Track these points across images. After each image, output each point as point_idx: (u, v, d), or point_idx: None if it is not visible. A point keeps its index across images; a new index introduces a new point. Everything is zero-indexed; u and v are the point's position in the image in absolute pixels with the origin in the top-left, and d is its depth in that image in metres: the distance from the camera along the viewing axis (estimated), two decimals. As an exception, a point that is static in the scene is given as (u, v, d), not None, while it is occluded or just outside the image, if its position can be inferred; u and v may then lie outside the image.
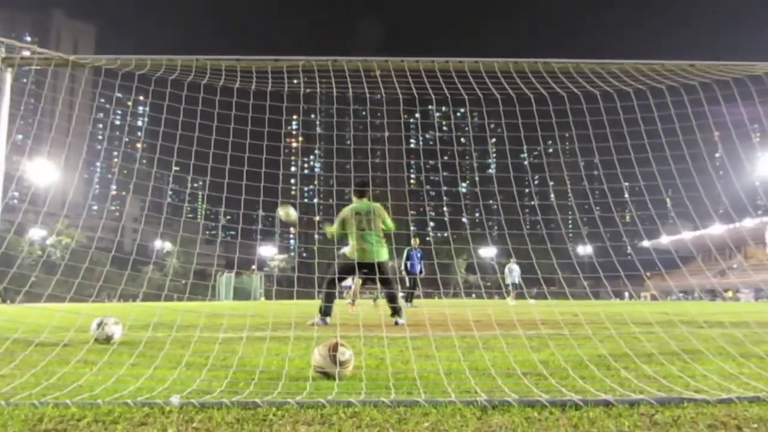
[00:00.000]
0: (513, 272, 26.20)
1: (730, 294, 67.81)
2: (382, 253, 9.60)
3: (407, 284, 21.02)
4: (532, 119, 6.17)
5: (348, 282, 30.02)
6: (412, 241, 21.44)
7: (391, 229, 9.90)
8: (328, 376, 3.49)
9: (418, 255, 21.10)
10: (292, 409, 2.64)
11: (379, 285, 10.22)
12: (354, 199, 9.93)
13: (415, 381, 3.30)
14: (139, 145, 8.32)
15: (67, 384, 3.21)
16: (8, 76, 5.11)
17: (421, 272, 20.98)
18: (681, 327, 7.76)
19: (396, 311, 9.25)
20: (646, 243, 19.09)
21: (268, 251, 78.85)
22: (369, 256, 9.38)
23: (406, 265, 21.09)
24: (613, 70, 5.40)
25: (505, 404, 2.70)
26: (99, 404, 2.67)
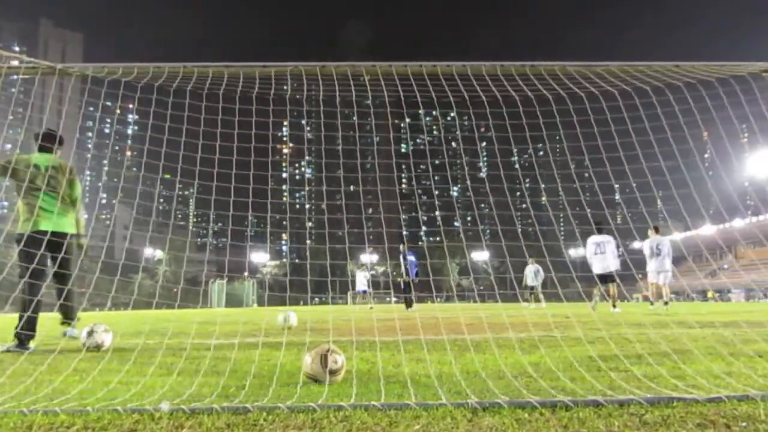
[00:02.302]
0: (537, 274, 24.79)
1: (711, 294, 68.18)
2: (62, 223, 6.96)
3: (403, 288, 21.03)
4: (520, 121, 6.18)
5: (363, 287, 29.95)
6: (402, 246, 21.40)
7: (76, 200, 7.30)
8: (319, 383, 3.48)
9: (411, 259, 21.09)
10: (282, 413, 2.64)
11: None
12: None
13: (406, 384, 3.30)
14: (128, 153, 8.28)
15: (56, 392, 3.20)
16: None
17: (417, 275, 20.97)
18: (671, 328, 7.79)
19: (68, 313, 6.96)
20: (637, 244, 19.07)
21: (260, 257, 78.65)
22: (48, 225, 6.69)
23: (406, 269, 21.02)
24: (600, 71, 5.42)
25: (495, 406, 2.70)
26: (88, 411, 2.65)
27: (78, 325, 7.04)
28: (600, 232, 16.35)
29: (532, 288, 24.88)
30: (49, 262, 6.74)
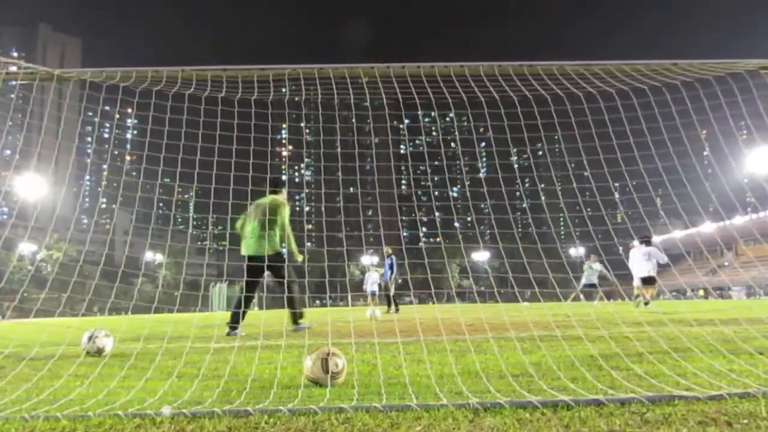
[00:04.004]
0: (594, 271, 23.95)
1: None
2: (258, 247, 8.89)
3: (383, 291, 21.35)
4: (519, 122, 6.18)
5: (374, 288, 29.72)
6: (386, 249, 21.60)
7: (284, 228, 9.24)
8: (320, 385, 3.48)
9: (389, 262, 21.39)
10: (284, 416, 2.64)
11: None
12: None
13: (407, 386, 3.30)
14: (127, 157, 8.30)
15: (57, 397, 3.20)
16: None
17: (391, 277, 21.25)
18: (671, 326, 7.79)
19: (293, 316, 8.92)
20: (635, 243, 19.77)
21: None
22: (247, 250, 8.98)
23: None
24: (597, 71, 5.42)
25: (496, 406, 2.71)
26: (90, 417, 2.65)
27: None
28: (648, 244, 18.83)
29: (589, 286, 24.06)
30: (263, 277, 9.11)
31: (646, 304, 18.36)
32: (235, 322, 8.58)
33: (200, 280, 8.26)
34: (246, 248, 8.99)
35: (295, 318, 8.86)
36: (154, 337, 7.98)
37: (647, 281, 18.58)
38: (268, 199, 9.29)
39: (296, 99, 6.21)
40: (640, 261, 18.72)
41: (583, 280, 24.45)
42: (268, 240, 8.89)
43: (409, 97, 5.74)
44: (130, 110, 7.17)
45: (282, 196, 9.47)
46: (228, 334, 8.36)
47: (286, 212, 9.21)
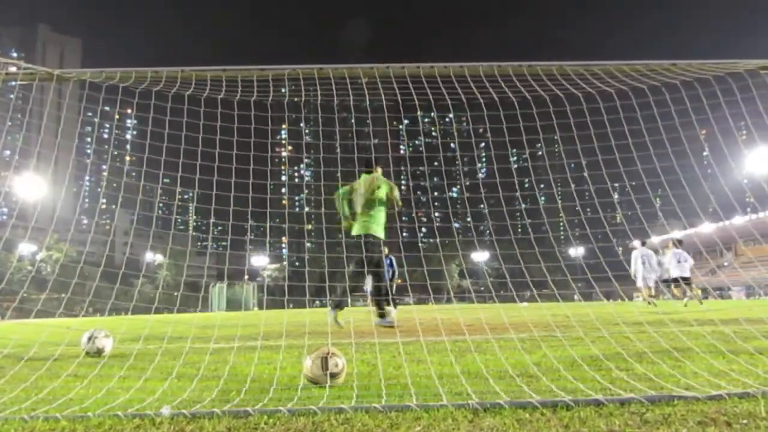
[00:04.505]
0: (683, 261, 19.20)
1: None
2: (365, 227, 8.88)
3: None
4: (518, 123, 6.18)
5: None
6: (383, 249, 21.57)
7: (395, 201, 9.08)
8: (320, 386, 3.47)
9: (388, 263, 21.35)
10: (283, 417, 2.63)
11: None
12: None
13: (407, 386, 3.30)
14: (127, 158, 8.30)
15: (57, 398, 3.19)
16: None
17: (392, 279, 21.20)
18: (671, 326, 7.78)
19: (379, 305, 8.67)
20: (636, 243, 19.77)
21: (259, 261, 78.39)
22: (357, 231, 8.89)
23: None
24: (597, 71, 5.42)
25: (496, 406, 2.70)
26: (89, 417, 2.65)
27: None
28: (679, 246, 19.49)
29: (676, 280, 19.09)
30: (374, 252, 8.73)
31: (649, 302, 18.97)
32: (338, 306, 8.68)
33: (199, 281, 8.26)
34: (355, 229, 8.92)
35: (382, 306, 8.67)
36: (154, 337, 7.98)
37: (686, 281, 19.00)
38: (364, 180, 9.15)
39: (296, 100, 6.21)
40: (674, 263, 19.15)
41: (674, 272, 19.27)
42: (372, 221, 8.82)
43: (409, 99, 5.74)
44: (129, 111, 7.18)
45: (378, 173, 9.25)
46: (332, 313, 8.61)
47: (384, 186, 9.01)
